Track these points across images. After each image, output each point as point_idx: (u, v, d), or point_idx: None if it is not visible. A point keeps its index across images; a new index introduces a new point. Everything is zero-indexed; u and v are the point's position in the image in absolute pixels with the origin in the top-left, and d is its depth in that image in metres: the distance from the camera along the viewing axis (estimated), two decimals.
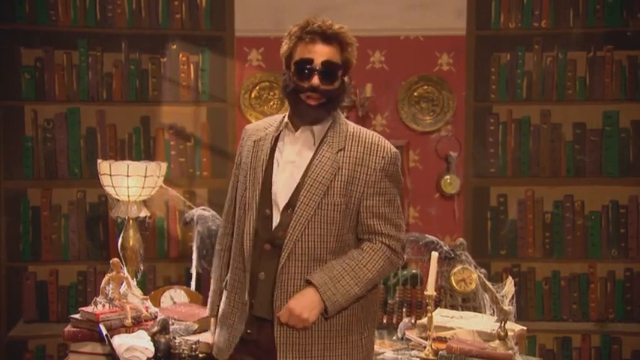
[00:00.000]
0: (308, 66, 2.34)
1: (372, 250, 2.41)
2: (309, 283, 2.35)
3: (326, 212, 2.36)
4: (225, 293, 2.50)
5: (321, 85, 2.34)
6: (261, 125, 2.54)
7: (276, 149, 2.45)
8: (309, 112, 2.37)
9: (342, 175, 2.37)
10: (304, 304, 2.32)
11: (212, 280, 2.60)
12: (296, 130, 2.43)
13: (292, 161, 2.41)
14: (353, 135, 2.42)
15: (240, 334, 2.41)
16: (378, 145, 2.41)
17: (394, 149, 2.45)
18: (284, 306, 2.34)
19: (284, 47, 2.41)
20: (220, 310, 2.52)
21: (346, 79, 2.44)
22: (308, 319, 2.33)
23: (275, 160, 2.43)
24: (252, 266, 2.40)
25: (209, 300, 2.60)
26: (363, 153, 2.39)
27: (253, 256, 2.40)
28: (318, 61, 2.34)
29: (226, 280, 2.51)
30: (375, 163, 2.39)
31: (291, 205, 2.37)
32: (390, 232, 2.43)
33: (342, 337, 2.41)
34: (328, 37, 2.35)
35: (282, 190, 2.39)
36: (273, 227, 2.39)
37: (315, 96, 2.35)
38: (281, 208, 2.38)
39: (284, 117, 2.49)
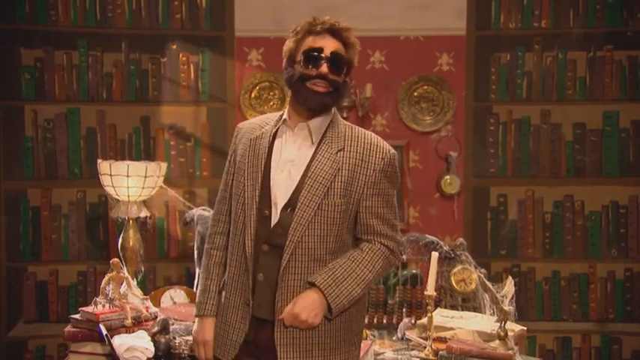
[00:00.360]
0: (317, 54, 2.36)
1: (371, 251, 2.42)
2: (311, 284, 2.35)
3: (326, 213, 2.36)
4: (224, 294, 2.50)
5: (329, 73, 2.36)
6: (256, 123, 2.52)
7: (274, 147, 2.44)
8: (315, 98, 2.37)
9: (342, 175, 2.37)
10: (310, 308, 2.32)
11: (200, 280, 2.56)
12: (294, 127, 2.42)
13: (291, 160, 2.40)
14: (352, 135, 2.42)
15: (244, 334, 2.41)
16: (377, 146, 2.42)
17: (392, 150, 2.45)
18: (285, 307, 2.34)
19: (289, 43, 2.42)
20: (219, 309, 2.51)
21: (348, 79, 2.45)
22: (314, 323, 2.34)
23: (273, 159, 2.43)
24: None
25: (197, 299, 2.55)
26: (363, 154, 2.39)
27: (253, 256, 2.40)
28: (327, 50, 2.37)
29: (224, 280, 2.50)
30: (375, 164, 2.39)
31: (290, 205, 2.37)
32: (388, 232, 2.44)
33: (340, 336, 2.41)
34: (335, 32, 2.39)
35: (281, 190, 2.39)
36: (271, 228, 2.39)
37: (322, 83, 2.36)
38: (280, 208, 2.38)
39: (282, 114, 2.48)
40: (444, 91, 4.41)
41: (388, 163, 2.41)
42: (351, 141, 2.41)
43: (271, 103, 4.42)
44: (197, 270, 3.68)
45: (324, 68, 2.36)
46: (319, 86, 2.36)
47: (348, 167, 2.38)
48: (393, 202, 2.47)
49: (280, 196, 2.38)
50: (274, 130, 2.45)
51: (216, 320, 2.50)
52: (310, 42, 2.38)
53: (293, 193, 2.37)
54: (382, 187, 2.41)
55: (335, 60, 2.37)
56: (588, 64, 4.38)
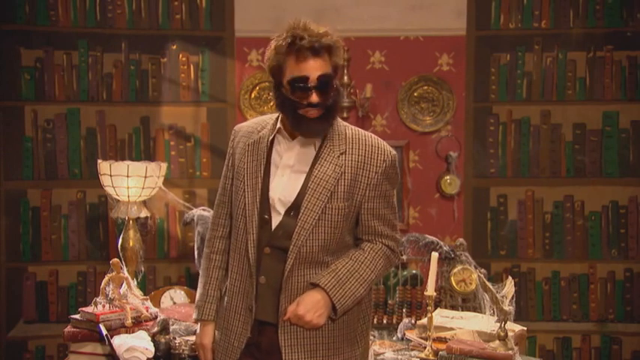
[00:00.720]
0: (303, 84, 2.30)
1: (372, 251, 2.43)
2: (314, 284, 2.35)
3: (330, 217, 2.36)
4: (225, 298, 2.49)
5: (319, 100, 2.31)
6: (253, 127, 2.50)
7: (274, 152, 2.43)
8: (313, 126, 2.34)
9: (344, 179, 2.37)
10: (314, 309, 2.33)
11: (200, 283, 2.56)
12: (293, 139, 2.41)
13: (291, 165, 2.40)
14: (352, 138, 2.41)
15: (245, 339, 2.41)
16: (378, 148, 2.41)
17: (393, 151, 2.45)
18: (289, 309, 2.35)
19: (271, 62, 2.36)
20: (220, 314, 2.51)
21: (337, 81, 2.39)
22: (318, 323, 2.35)
23: (272, 164, 2.42)
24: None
25: (196, 303, 2.55)
26: (364, 156, 2.39)
27: (255, 262, 2.39)
28: (313, 77, 2.30)
29: (226, 285, 2.50)
30: (377, 166, 2.39)
31: (293, 208, 2.36)
32: (389, 232, 2.45)
33: (344, 335, 2.42)
34: (317, 50, 2.31)
35: (281, 195, 2.38)
36: (272, 231, 2.38)
37: (314, 110, 2.32)
38: (282, 213, 2.37)
39: (277, 120, 2.46)
40: (443, 92, 4.41)
41: (389, 165, 2.41)
42: (352, 143, 2.40)
43: (271, 104, 4.41)
44: (199, 269, 3.69)
45: (314, 98, 2.30)
46: (311, 113, 2.32)
47: (350, 170, 2.37)
48: (393, 202, 2.47)
49: (280, 201, 2.38)
50: (271, 136, 2.43)
51: (218, 325, 2.50)
52: (294, 68, 2.30)
53: (297, 197, 2.36)
54: (383, 188, 2.41)
55: (323, 85, 2.31)
56: (588, 64, 4.38)
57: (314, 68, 2.30)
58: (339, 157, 2.37)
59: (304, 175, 2.38)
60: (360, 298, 2.42)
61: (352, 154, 2.38)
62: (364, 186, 2.38)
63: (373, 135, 2.46)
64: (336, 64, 2.36)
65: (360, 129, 2.47)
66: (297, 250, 2.34)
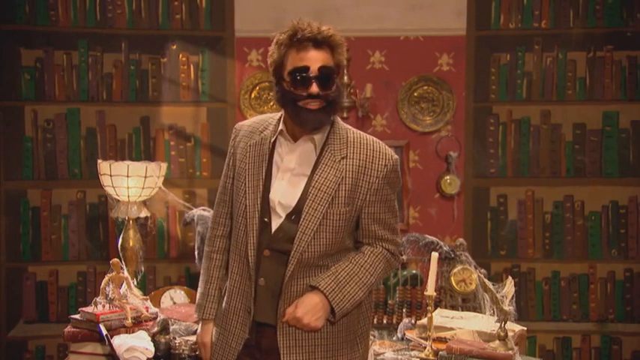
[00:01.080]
0: (304, 74, 2.30)
1: (372, 254, 2.42)
2: (313, 287, 2.35)
3: (331, 222, 2.35)
4: (225, 299, 2.49)
5: (320, 91, 2.31)
6: (254, 127, 2.49)
7: (275, 154, 2.42)
8: (313, 117, 2.32)
9: (345, 184, 2.36)
10: (312, 312, 2.33)
11: (200, 282, 2.56)
12: (295, 141, 2.40)
13: (291, 169, 2.39)
14: (354, 141, 2.40)
15: (243, 341, 2.41)
16: (379, 152, 2.39)
17: (395, 156, 2.43)
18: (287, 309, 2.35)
19: (274, 56, 2.36)
20: (219, 314, 2.51)
21: (339, 80, 2.39)
22: (316, 326, 2.35)
23: (274, 166, 2.41)
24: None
25: (197, 302, 2.56)
26: (366, 161, 2.37)
27: (255, 264, 2.39)
28: (314, 67, 2.30)
29: (226, 287, 2.50)
30: (378, 171, 2.38)
31: (294, 213, 2.36)
32: (389, 236, 2.45)
33: (343, 337, 2.42)
34: (319, 42, 2.31)
35: (282, 198, 2.37)
36: (272, 233, 2.38)
37: (315, 102, 2.31)
38: (283, 216, 2.37)
39: (279, 121, 2.45)
40: (443, 92, 4.41)
41: (391, 170, 2.40)
42: (354, 147, 2.39)
43: (271, 104, 4.42)
44: (199, 269, 3.68)
45: (314, 88, 2.30)
46: (312, 105, 2.31)
47: (351, 175, 2.36)
48: (394, 205, 2.46)
49: (281, 204, 2.37)
50: (273, 138, 2.43)
51: (216, 326, 2.50)
52: (295, 59, 2.31)
53: (298, 202, 2.36)
54: (384, 193, 2.40)
55: (324, 75, 2.31)
56: (588, 64, 4.38)
57: (315, 59, 2.30)
58: (340, 161, 2.36)
59: (305, 179, 2.37)
60: (360, 302, 2.41)
61: (353, 159, 2.37)
62: (365, 191, 2.37)
63: (375, 138, 2.44)
64: (338, 61, 2.36)
65: (361, 132, 2.46)
66: (298, 255, 2.34)
